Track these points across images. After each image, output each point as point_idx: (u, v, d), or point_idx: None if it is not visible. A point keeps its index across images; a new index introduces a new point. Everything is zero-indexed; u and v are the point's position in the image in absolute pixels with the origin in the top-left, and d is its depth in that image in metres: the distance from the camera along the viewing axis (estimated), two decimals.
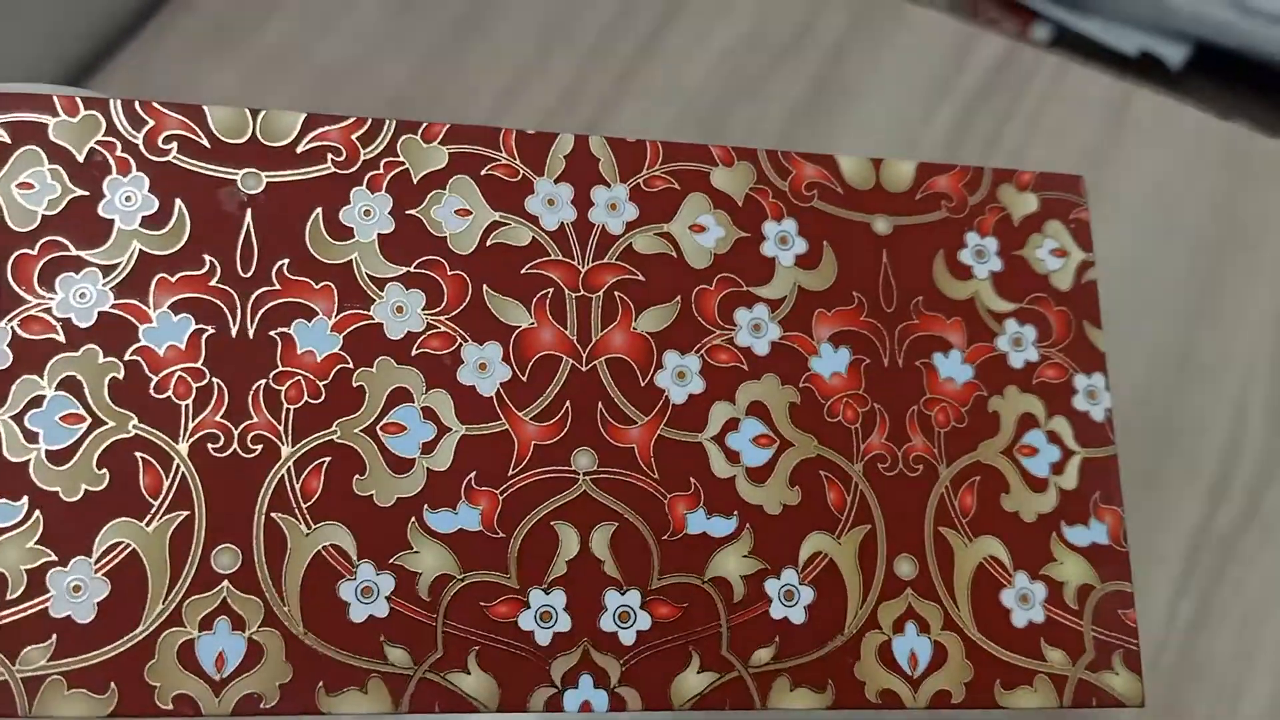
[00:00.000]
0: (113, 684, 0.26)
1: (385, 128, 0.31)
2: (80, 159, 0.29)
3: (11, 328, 0.28)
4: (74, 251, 0.29)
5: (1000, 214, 0.34)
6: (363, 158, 0.30)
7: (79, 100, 0.29)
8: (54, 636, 0.26)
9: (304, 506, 0.28)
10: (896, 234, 0.33)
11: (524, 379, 0.30)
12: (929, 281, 0.33)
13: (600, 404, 0.30)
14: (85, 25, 0.56)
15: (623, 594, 0.29)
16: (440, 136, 0.31)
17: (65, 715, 0.26)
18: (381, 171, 0.30)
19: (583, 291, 0.31)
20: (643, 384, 0.30)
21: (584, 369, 0.30)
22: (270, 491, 0.28)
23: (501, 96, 0.55)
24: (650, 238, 0.31)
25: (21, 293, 0.28)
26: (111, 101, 0.30)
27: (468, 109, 0.55)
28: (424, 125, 0.31)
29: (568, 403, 0.30)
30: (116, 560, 0.27)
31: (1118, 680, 0.31)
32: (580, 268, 0.31)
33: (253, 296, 0.29)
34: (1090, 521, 0.32)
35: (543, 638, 0.28)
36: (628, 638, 0.29)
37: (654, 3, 0.59)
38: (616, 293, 0.31)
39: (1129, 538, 0.32)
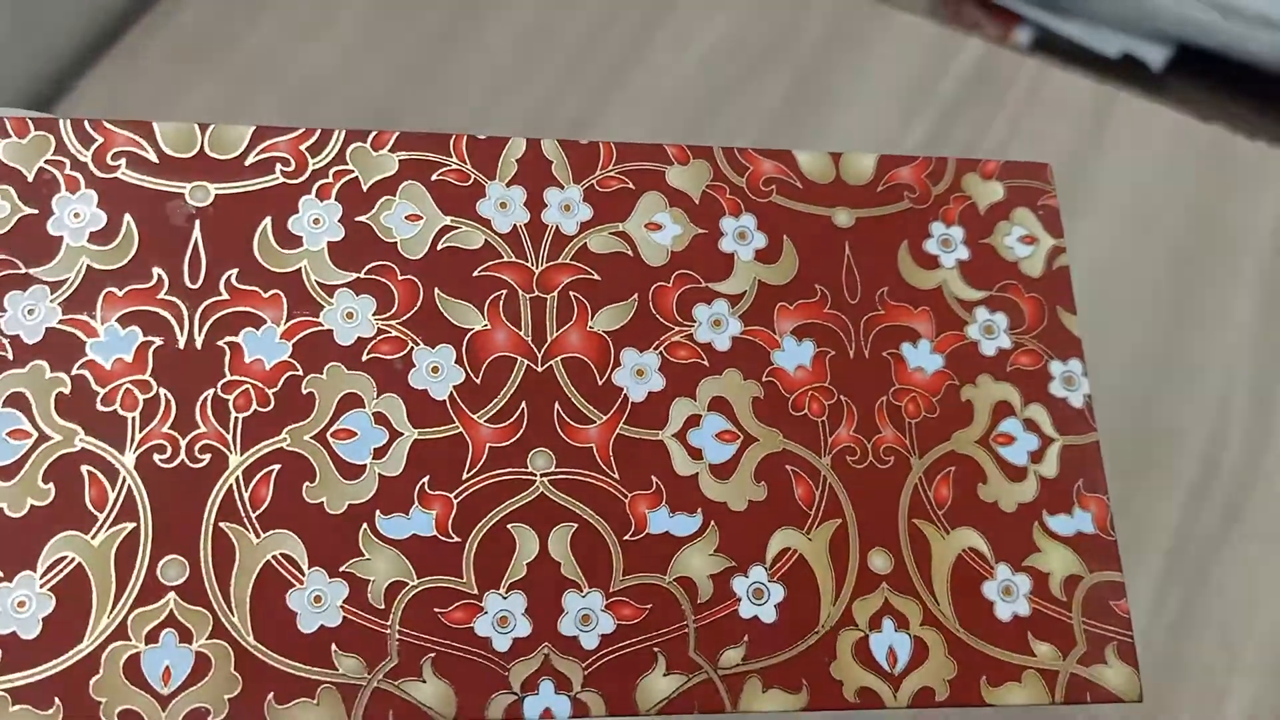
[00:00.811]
0: (57, 700, 0.26)
1: (334, 137, 0.31)
2: (29, 178, 0.29)
3: None
4: (22, 269, 0.29)
5: (965, 203, 0.34)
6: (311, 167, 0.31)
7: (29, 121, 0.30)
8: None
9: (253, 515, 0.28)
10: (859, 226, 0.33)
11: (478, 381, 0.30)
12: (894, 272, 0.32)
13: (557, 404, 0.30)
14: (57, 42, 0.57)
15: (584, 596, 0.28)
16: (390, 144, 0.31)
17: None
18: (331, 180, 0.31)
19: (537, 292, 0.31)
20: (600, 383, 0.30)
21: (539, 369, 0.30)
22: (219, 501, 0.28)
23: (483, 105, 0.56)
24: (605, 237, 0.31)
25: None
26: (61, 121, 0.30)
27: (449, 117, 0.55)
28: (373, 134, 0.31)
29: (523, 404, 0.30)
30: (62, 575, 0.27)
31: (1112, 674, 0.30)
32: (534, 269, 0.31)
33: (201, 307, 0.29)
34: (1074, 510, 0.31)
35: (501, 643, 0.28)
36: (590, 641, 0.28)
37: (635, 9, 0.60)
38: (572, 293, 0.31)
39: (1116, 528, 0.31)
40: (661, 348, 0.31)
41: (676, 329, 0.31)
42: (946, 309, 0.32)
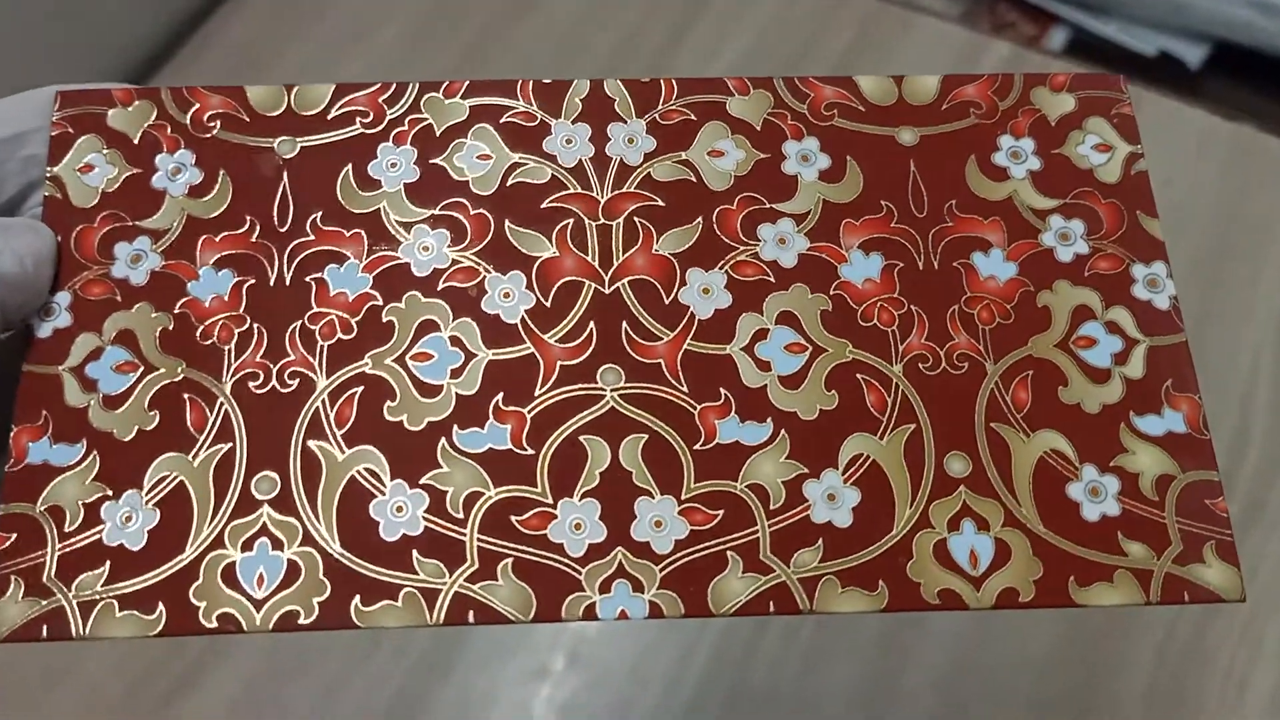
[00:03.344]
0: (161, 605, 0.29)
1: (409, 89, 0.34)
2: (135, 141, 0.33)
3: (74, 291, 0.31)
4: (129, 221, 0.32)
5: (1035, 115, 0.34)
6: (389, 117, 0.34)
7: (133, 91, 0.34)
8: (107, 563, 0.29)
9: (338, 434, 0.30)
10: (923, 144, 0.34)
11: (547, 304, 0.32)
12: (962, 186, 0.33)
13: (625, 323, 0.31)
14: (107, 61, 0.65)
15: (656, 502, 0.30)
16: (461, 92, 0.34)
17: (116, 636, 0.28)
18: (406, 128, 0.33)
19: (603, 220, 0.33)
20: (666, 302, 0.32)
21: (607, 291, 0.32)
22: (306, 421, 0.30)
23: None
24: (669, 165, 0.33)
25: (82, 260, 0.32)
26: (162, 90, 0.34)
27: None
28: (445, 83, 0.34)
29: (592, 324, 0.31)
30: (165, 491, 0.30)
31: (1211, 573, 0.30)
32: (600, 198, 0.33)
33: (289, 248, 0.32)
34: (1163, 410, 0.31)
35: (575, 548, 0.29)
36: (663, 545, 0.29)
37: (663, 21, 0.63)
38: (637, 218, 0.33)
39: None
40: (727, 266, 0.32)
41: (742, 248, 0.32)
42: (1018, 218, 0.33)
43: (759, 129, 0.34)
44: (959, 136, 0.34)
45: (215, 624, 0.28)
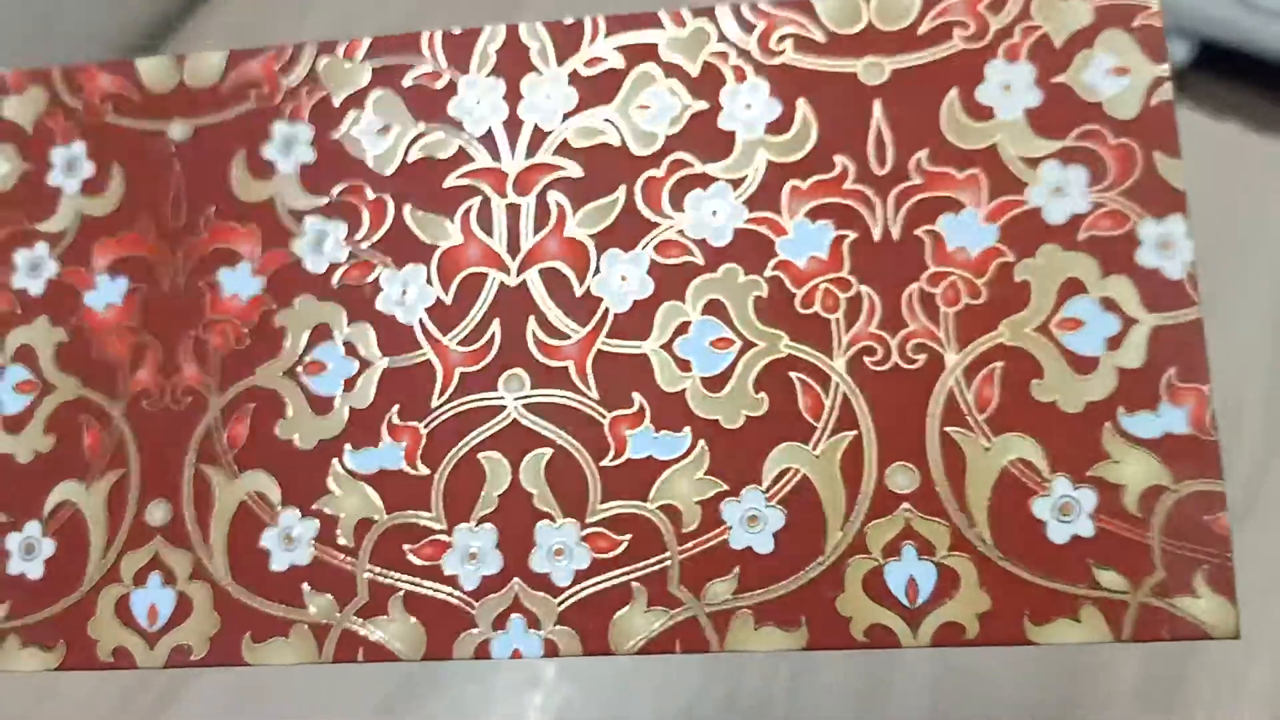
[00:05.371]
0: (61, 639, 0.30)
1: (304, 52, 0.32)
2: (29, 133, 0.33)
3: None
4: (28, 225, 0.32)
5: (1036, 34, 0.30)
6: (284, 87, 0.32)
7: (25, 74, 0.33)
8: (11, 596, 0.30)
9: (230, 455, 0.30)
10: (894, 80, 0.30)
11: (448, 302, 0.30)
12: (936, 132, 0.29)
13: (532, 319, 0.30)
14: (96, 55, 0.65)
15: (557, 528, 0.28)
16: (362, 52, 0.32)
17: (21, 670, 0.30)
18: (303, 100, 0.32)
19: (513, 197, 0.30)
20: (578, 294, 0.30)
21: (513, 283, 0.30)
22: (199, 443, 0.30)
23: None
24: (589, 126, 0.31)
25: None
26: (53, 71, 0.33)
27: None
28: (344, 43, 0.32)
29: (496, 322, 0.30)
30: (63, 521, 0.30)
31: (1201, 605, 0.26)
32: (509, 171, 0.31)
33: (183, 249, 0.31)
34: (1160, 406, 0.27)
35: (469, 581, 0.28)
36: (562, 577, 0.28)
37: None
38: (550, 193, 0.30)
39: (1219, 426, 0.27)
40: (650, 247, 0.30)
41: (667, 224, 0.30)
42: (1002, 170, 0.29)
43: (696, 74, 0.31)
44: (938, 69, 0.30)
45: (112, 659, 0.29)
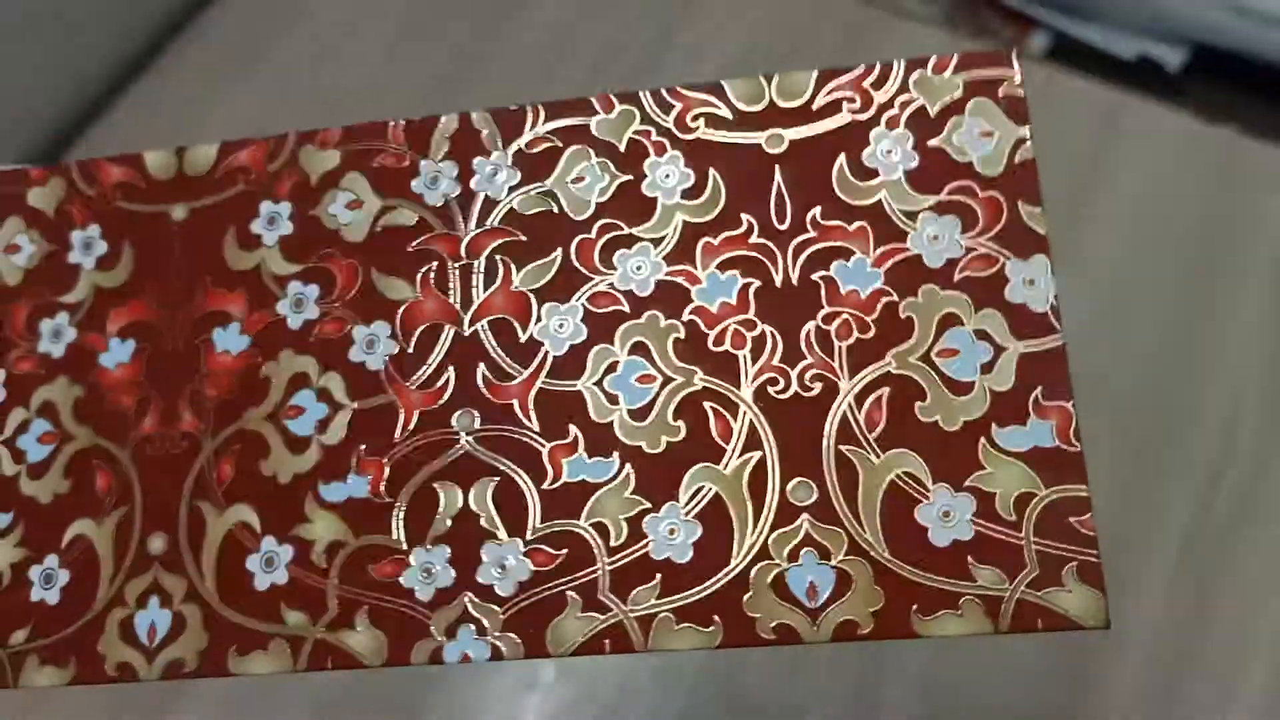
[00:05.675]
0: (73, 657, 0.34)
1: (287, 142, 0.37)
2: (51, 217, 0.38)
3: (7, 368, 0.37)
4: (50, 298, 0.37)
5: (914, 105, 0.34)
6: (269, 171, 0.37)
7: (46, 171, 0.38)
8: (33, 620, 0.34)
9: (219, 492, 0.34)
10: (793, 149, 0.34)
11: (409, 351, 0.34)
12: (828, 192, 0.34)
13: (482, 365, 0.34)
14: (95, 61, 0.69)
15: (501, 546, 0.32)
16: (335, 141, 0.37)
17: (41, 685, 0.34)
18: (285, 181, 0.37)
19: (465, 259, 0.35)
20: (522, 340, 0.34)
21: (466, 333, 0.34)
22: (193, 481, 0.34)
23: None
24: (531, 197, 0.35)
25: (14, 339, 0.37)
26: (71, 166, 0.38)
27: None
28: (320, 133, 0.37)
29: (451, 368, 0.34)
30: (77, 553, 0.35)
31: (1070, 598, 0.30)
32: (463, 237, 0.35)
33: (182, 313, 0.36)
34: (1028, 422, 0.31)
35: (424, 594, 0.32)
36: (506, 588, 0.32)
37: (652, 22, 0.65)
38: (498, 255, 0.35)
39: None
40: (584, 298, 0.34)
41: (598, 279, 0.34)
42: (886, 222, 0.33)
43: (623, 149, 0.35)
44: (829, 137, 0.34)
45: (116, 673, 0.33)
